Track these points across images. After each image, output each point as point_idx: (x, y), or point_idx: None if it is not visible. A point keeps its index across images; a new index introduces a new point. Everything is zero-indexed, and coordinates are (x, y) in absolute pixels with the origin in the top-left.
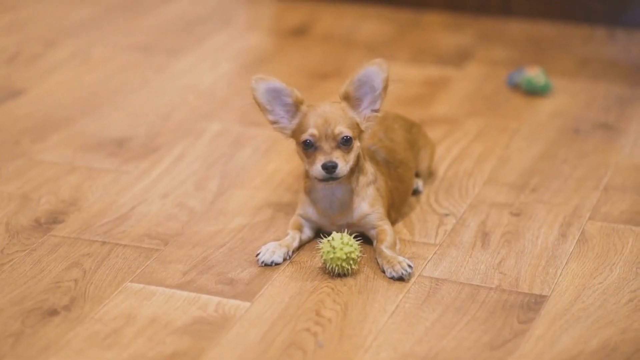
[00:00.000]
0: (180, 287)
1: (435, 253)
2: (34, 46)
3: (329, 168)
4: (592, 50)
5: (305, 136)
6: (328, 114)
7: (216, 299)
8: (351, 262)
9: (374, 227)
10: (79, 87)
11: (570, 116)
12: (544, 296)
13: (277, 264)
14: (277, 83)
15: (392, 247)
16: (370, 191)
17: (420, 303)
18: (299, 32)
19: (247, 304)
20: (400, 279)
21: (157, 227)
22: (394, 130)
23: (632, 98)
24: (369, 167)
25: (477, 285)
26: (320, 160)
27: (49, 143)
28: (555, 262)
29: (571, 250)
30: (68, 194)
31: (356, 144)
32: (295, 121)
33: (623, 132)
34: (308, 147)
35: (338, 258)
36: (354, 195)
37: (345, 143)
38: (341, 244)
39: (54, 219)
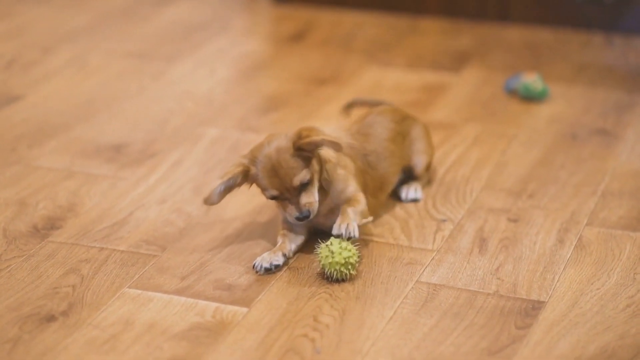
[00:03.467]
0: (178, 293)
1: (432, 259)
2: (31, 52)
3: (304, 218)
4: (590, 56)
5: (267, 195)
6: (278, 169)
7: (214, 304)
8: (349, 267)
9: (348, 198)
10: (76, 94)
11: (568, 122)
12: (542, 302)
13: (277, 266)
14: (218, 190)
15: (359, 214)
16: (339, 171)
17: (418, 309)
18: (297, 38)
19: (245, 309)
20: (338, 236)
21: (154, 233)
22: (372, 125)
23: (629, 104)
24: (328, 153)
25: (475, 291)
26: (291, 211)
27: (46, 149)
28: (553, 267)
29: (569, 256)
30: (65, 200)
31: (315, 171)
32: (253, 184)
33: (620, 138)
34: (275, 199)
35: (336, 263)
36: (327, 183)
37: (305, 185)
38: (339, 248)
39: (52, 224)
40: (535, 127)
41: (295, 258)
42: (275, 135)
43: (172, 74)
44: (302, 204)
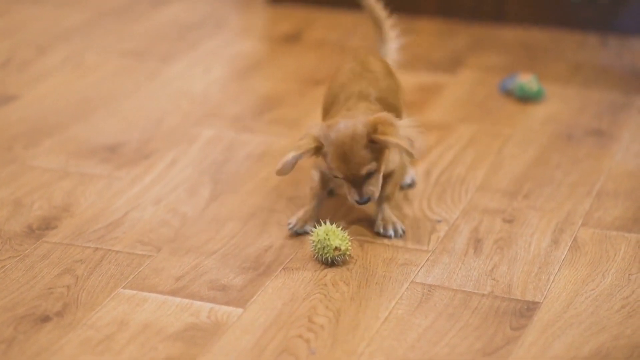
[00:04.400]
0: (173, 293)
1: (427, 259)
2: (27, 52)
3: (363, 203)
4: (585, 56)
5: (332, 173)
6: (349, 157)
7: (209, 305)
8: (341, 252)
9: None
10: (72, 93)
11: (563, 122)
12: (537, 303)
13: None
14: (291, 163)
15: (395, 193)
16: (396, 157)
17: (412, 309)
18: (292, 38)
19: (240, 310)
20: (383, 235)
21: (149, 233)
22: (365, 63)
23: (624, 104)
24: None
25: (470, 291)
26: (352, 194)
27: (42, 149)
28: (548, 268)
29: (564, 256)
30: (61, 200)
31: (383, 162)
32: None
33: (615, 138)
34: (337, 178)
35: (330, 245)
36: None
37: (371, 174)
38: (333, 233)
39: (47, 224)
40: (530, 127)
41: (291, 259)
42: (352, 117)
43: (167, 73)
44: (364, 190)
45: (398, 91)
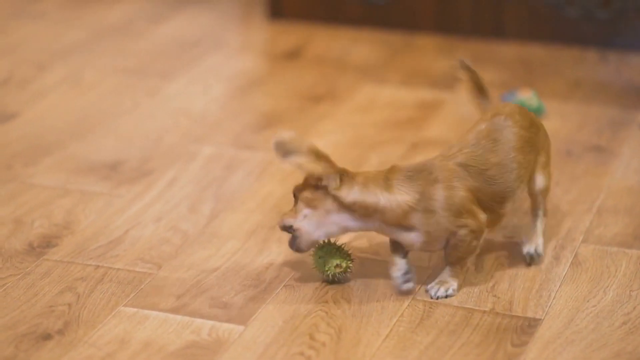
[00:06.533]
0: (174, 311)
1: (429, 276)
2: (26, 70)
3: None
4: (584, 72)
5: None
6: None
7: (210, 322)
8: (346, 264)
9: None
10: (71, 111)
11: (563, 138)
12: (538, 319)
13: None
14: None
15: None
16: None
17: (414, 326)
18: (292, 55)
19: (241, 327)
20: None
21: (150, 251)
22: (501, 130)
23: (624, 120)
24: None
25: (471, 308)
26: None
27: (42, 167)
28: (549, 285)
29: (564, 273)
30: (61, 218)
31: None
32: None
33: (615, 154)
34: None
35: (332, 262)
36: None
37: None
38: (334, 250)
39: (48, 242)
40: None
41: (292, 276)
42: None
43: (167, 90)
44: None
45: (521, 169)
